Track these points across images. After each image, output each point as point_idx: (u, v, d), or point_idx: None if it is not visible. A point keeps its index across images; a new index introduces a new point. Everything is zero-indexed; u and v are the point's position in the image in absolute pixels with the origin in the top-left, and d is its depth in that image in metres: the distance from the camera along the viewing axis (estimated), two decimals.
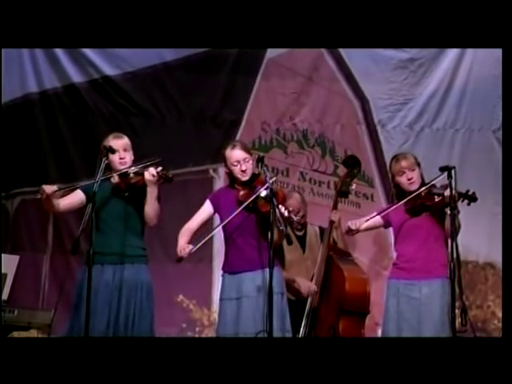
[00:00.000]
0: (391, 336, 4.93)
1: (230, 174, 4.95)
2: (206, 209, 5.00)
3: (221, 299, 4.89)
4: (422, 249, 4.98)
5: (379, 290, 5.53)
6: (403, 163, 5.06)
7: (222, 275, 4.94)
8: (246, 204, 4.70)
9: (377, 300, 5.60)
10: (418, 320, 4.89)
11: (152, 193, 4.79)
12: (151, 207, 4.83)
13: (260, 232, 4.78)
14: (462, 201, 4.80)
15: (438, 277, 4.91)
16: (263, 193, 4.68)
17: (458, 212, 4.76)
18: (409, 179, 5.04)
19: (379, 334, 5.51)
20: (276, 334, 4.53)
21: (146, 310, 4.78)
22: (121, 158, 4.87)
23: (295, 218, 4.86)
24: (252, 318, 4.70)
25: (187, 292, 6.83)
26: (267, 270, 4.53)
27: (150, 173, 4.73)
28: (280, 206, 4.63)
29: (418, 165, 5.10)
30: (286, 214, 4.65)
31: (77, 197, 4.89)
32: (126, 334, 4.67)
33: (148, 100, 7.12)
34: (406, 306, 4.95)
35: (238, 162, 4.87)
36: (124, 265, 4.77)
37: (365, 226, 5.18)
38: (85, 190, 4.84)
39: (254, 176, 4.88)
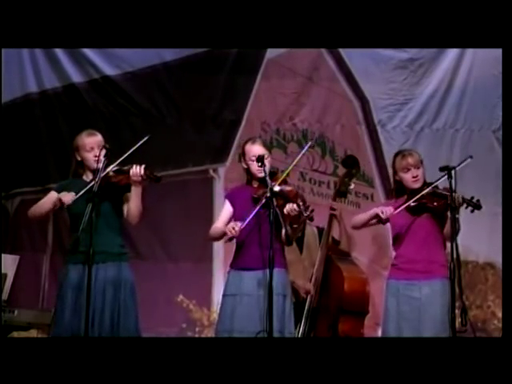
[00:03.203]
0: (391, 336, 4.92)
1: (248, 171, 4.95)
2: (226, 208, 5.00)
3: (224, 295, 4.89)
4: (422, 249, 4.97)
5: (379, 289, 5.52)
6: (410, 160, 5.03)
7: (229, 272, 4.94)
8: (262, 203, 4.68)
9: (377, 300, 5.60)
10: (419, 320, 4.88)
11: (137, 192, 4.72)
12: (136, 206, 4.76)
13: (269, 231, 4.75)
14: (466, 207, 4.77)
15: (438, 277, 4.90)
16: (276, 187, 4.71)
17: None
18: (414, 177, 5.01)
19: (379, 334, 5.50)
20: (275, 335, 4.52)
21: (131, 307, 4.73)
22: (95, 156, 4.79)
23: (305, 214, 4.86)
24: (250, 316, 4.69)
25: (187, 292, 6.82)
26: (272, 269, 4.54)
27: (137, 173, 4.66)
28: (291, 203, 4.65)
29: (422, 163, 5.09)
30: (297, 208, 4.65)
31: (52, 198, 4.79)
32: (112, 333, 4.63)
33: (148, 100, 7.11)
34: (406, 306, 4.94)
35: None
36: (106, 263, 4.71)
37: (365, 217, 5.14)
38: (58, 191, 4.78)
39: (271, 174, 4.86)
